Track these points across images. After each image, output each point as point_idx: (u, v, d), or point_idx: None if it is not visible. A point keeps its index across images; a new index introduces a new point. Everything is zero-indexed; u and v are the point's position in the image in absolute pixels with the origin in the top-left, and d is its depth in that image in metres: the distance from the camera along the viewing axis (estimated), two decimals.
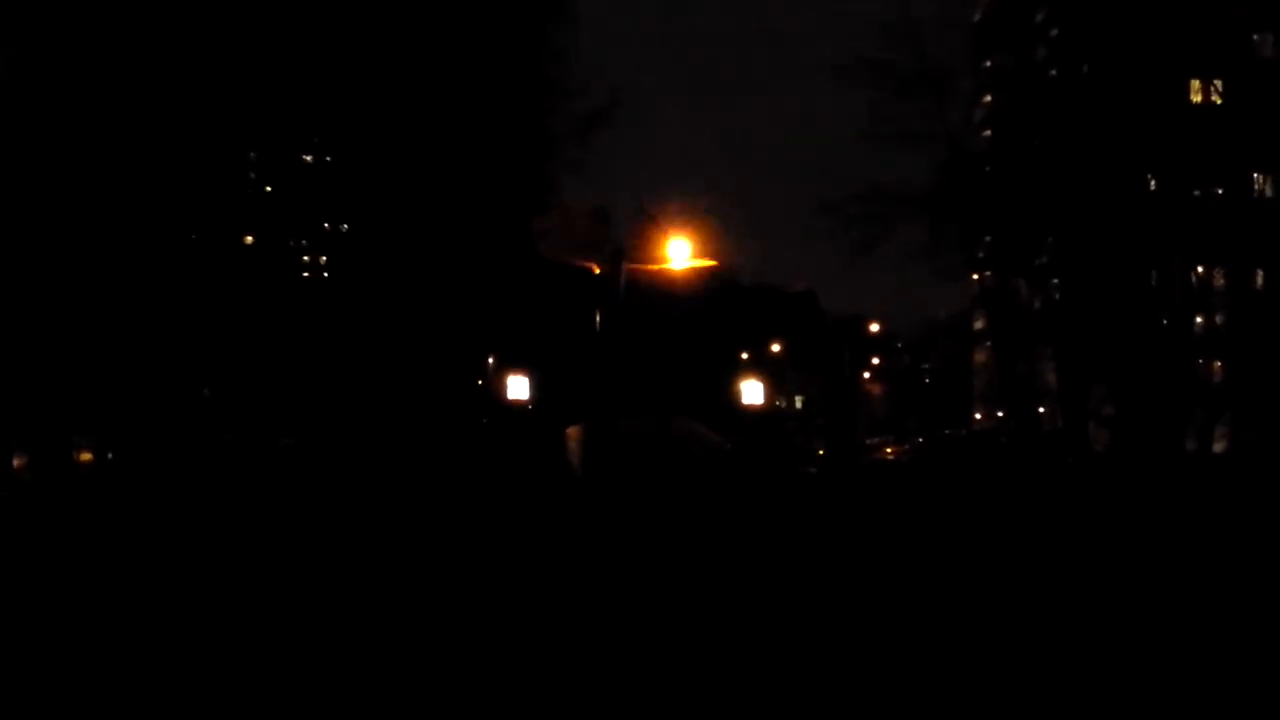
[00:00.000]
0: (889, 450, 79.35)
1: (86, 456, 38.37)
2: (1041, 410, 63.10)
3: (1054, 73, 54.14)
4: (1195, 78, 52.22)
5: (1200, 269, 52.63)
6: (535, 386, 37.72)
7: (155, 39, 35.45)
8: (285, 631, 12.07)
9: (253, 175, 45.53)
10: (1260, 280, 52.20)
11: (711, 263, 44.68)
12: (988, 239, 53.75)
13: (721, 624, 12.49)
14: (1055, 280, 54.64)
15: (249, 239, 45.20)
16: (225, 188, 42.23)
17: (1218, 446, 51.43)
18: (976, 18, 59.36)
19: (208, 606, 13.43)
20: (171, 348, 38.16)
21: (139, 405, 37.52)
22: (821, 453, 58.37)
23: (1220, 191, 51.46)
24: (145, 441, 37.83)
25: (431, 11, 42.00)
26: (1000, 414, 76.39)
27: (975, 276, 56.41)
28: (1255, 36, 50.14)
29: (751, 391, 44.33)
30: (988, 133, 57.67)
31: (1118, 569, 17.32)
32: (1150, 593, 14.91)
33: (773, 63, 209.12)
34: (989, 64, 55.35)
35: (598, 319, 33.13)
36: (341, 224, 47.82)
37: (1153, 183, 51.88)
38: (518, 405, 37.76)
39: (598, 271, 37.64)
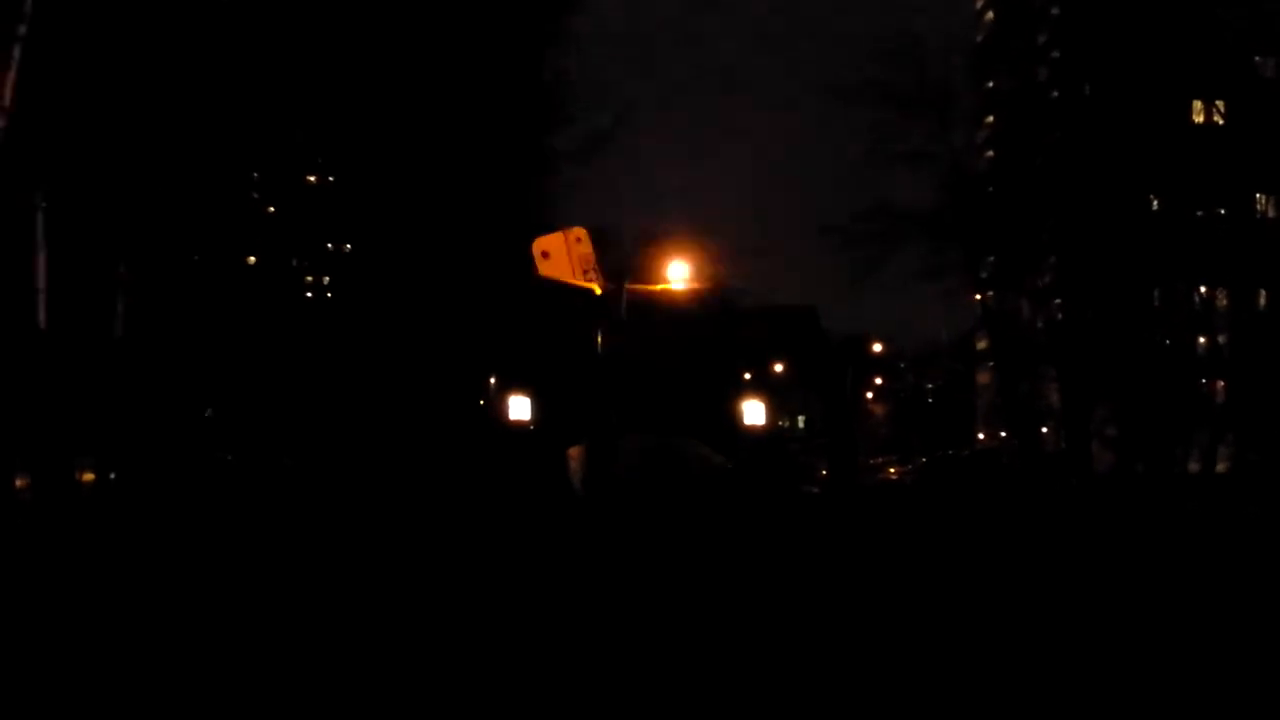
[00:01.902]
0: (892, 470, 79.27)
1: (88, 476, 38.31)
2: (1044, 430, 63.04)
3: (1056, 94, 54.24)
4: (1197, 98, 52.33)
5: (1203, 289, 52.65)
6: (537, 406, 37.71)
7: (158, 59, 35.52)
8: (289, 653, 12.04)
9: (255, 195, 45.62)
10: (1263, 300, 52.20)
11: (713, 283, 44.75)
12: (990, 259, 53.77)
13: (722, 641, 12.46)
14: (1058, 300, 54.66)
15: (252, 259, 45.26)
16: (228, 208, 42.27)
17: (1220, 467, 51.36)
18: (978, 39, 59.52)
19: (210, 627, 13.40)
20: (174, 367, 38.16)
21: (141, 425, 37.50)
22: (824, 472, 58.30)
23: (1223, 212, 51.51)
24: (147, 461, 37.80)
25: (434, 32, 42.11)
26: (1003, 434, 76.34)
27: (978, 296, 56.40)
28: (1257, 58, 50.22)
29: (754, 411, 44.26)
30: (990, 153, 57.76)
31: (1119, 590, 17.28)
32: (1152, 613, 14.87)
33: (777, 84, 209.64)
34: (991, 85, 55.47)
35: (599, 339, 33.11)
36: (344, 244, 47.91)
37: (1155, 203, 51.94)
38: (519, 425, 37.74)
39: (599, 292, 37.66)
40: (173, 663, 11.45)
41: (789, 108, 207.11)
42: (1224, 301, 53.56)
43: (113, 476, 38.26)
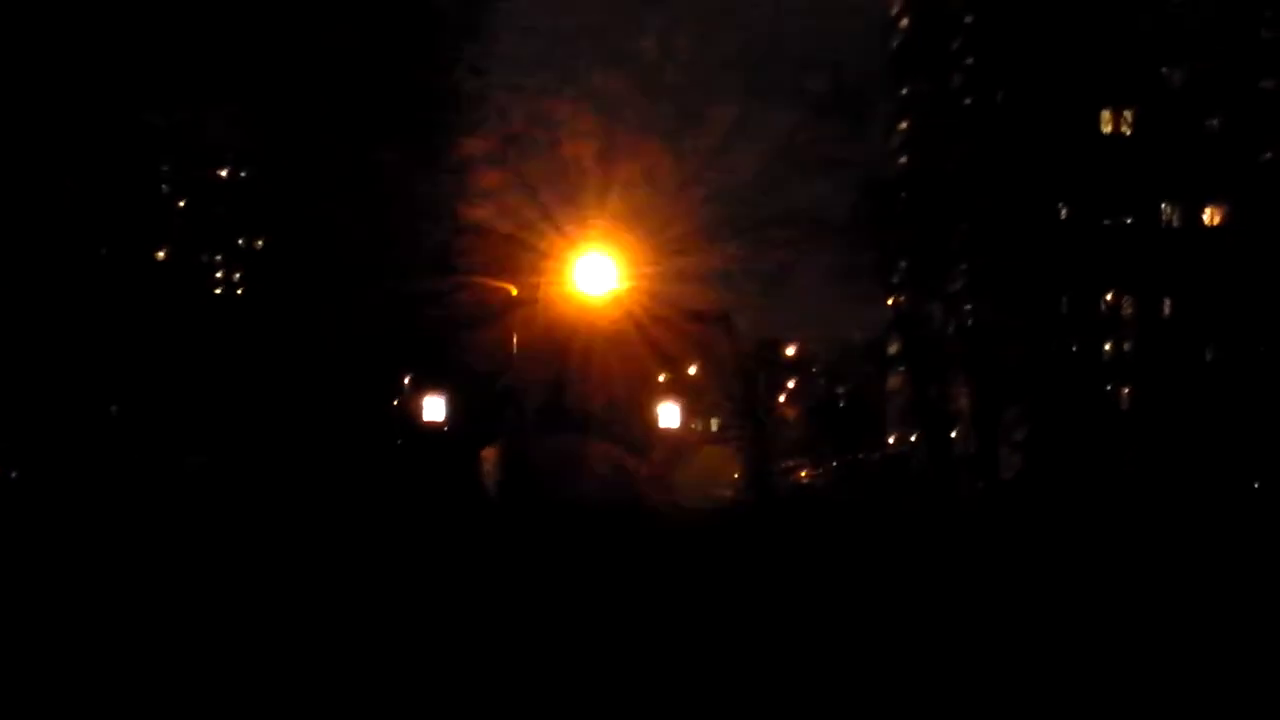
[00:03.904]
0: (803, 473, 79.70)
1: None
2: (954, 434, 63.71)
3: (969, 100, 54.85)
4: (1106, 108, 53.21)
5: (1109, 297, 53.51)
6: (452, 407, 37.41)
7: (66, 47, 34.88)
8: (197, 650, 11.82)
9: (165, 188, 44.87)
10: (1168, 308, 53.18)
11: (629, 285, 44.76)
12: (903, 264, 54.27)
13: (633, 642, 12.44)
14: (969, 306, 55.26)
15: (160, 254, 44.52)
16: (136, 201, 41.55)
17: (1125, 471, 52.18)
18: (894, 44, 60.04)
19: (111, 626, 13.14)
20: (79, 363, 37.48)
21: (44, 422, 36.79)
22: (736, 475, 58.47)
23: (1129, 221, 52.43)
24: (50, 459, 37.11)
25: (350, 26, 41.72)
26: (913, 437, 77.09)
27: (890, 301, 56.91)
28: (1164, 69, 51.18)
29: (668, 414, 44.29)
30: (904, 159, 58.27)
31: (1021, 591, 17.50)
32: (1049, 612, 15.07)
33: (692, 87, 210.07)
34: (905, 90, 55.98)
35: (515, 341, 33.00)
36: (256, 240, 47.27)
37: (1064, 211, 52.72)
38: (434, 426, 37.43)
39: (515, 293, 37.55)
40: (69, 659, 11.20)
41: (705, 110, 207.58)
42: (1129, 309, 54.46)
43: (14, 475, 37.56)
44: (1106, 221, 52.15)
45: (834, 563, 21.35)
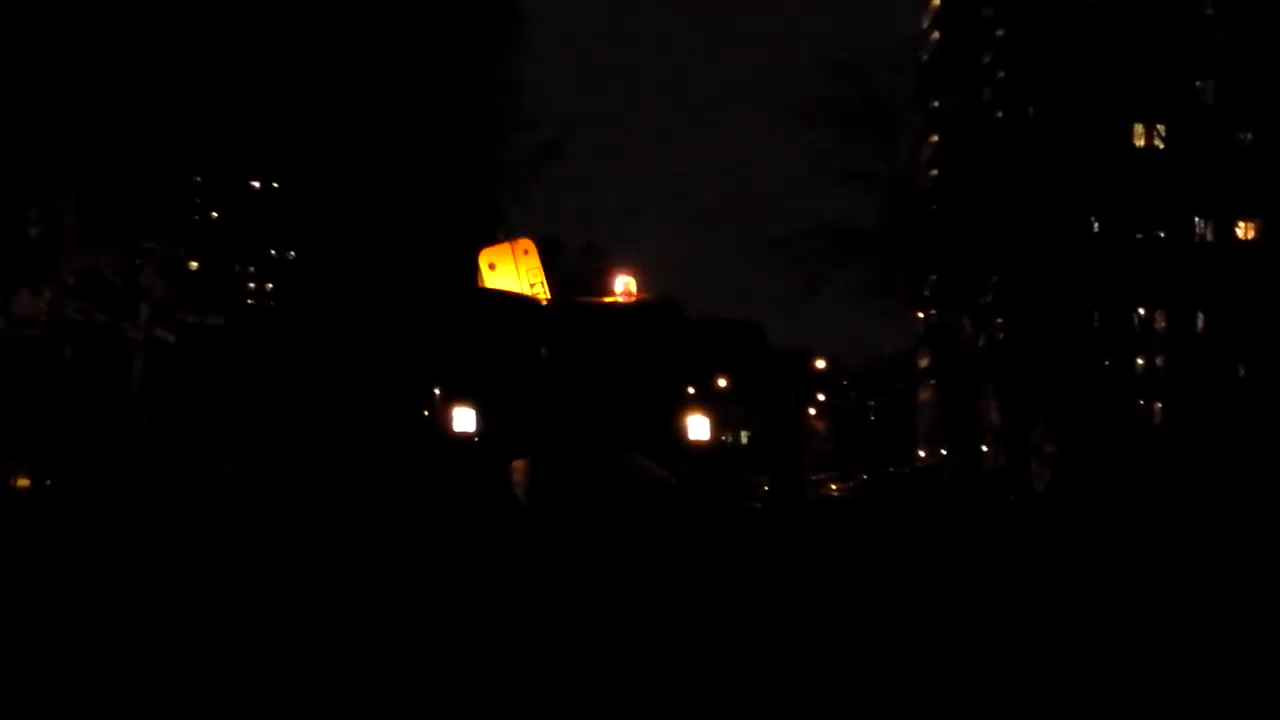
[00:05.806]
0: (834, 486, 79.51)
1: (23, 482, 37.85)
2: (984, 448, 63.61)
3: (1000, 114, 54.84)
4: (1138, 122, 53.14)
5: (1142, 311, 53.35)
6: (482, 418, 37.47)
7: (98, 60, 35.21)
8: (226, 665, 11.91)
9: (199, 200, 45.25)
10: (1201, 323, 52.97)
11: (659, 296, 44.76)
12: (933, 277, 54.24)
13: (665, 657, 12.46)
14: (999, 319, 55.19)
15: (194, 264, 44.89)
16: (170, 212, 41.92)
17: (1156, 486, 52.00)
18: (924, 58, 60.07)
19: (143, 638, 13.24)
20: (110, 372, 37.78)
21: (78, 431, 37.08)
22: (766, 488, 58.36)
23: (1162, 234, 52.29)
24: (83, 467, 37.39)
25: (382, 40, 42.00)
26: (944, 451, 76.96)
27: (921, 314, 56.87)
28: (1197, 83, 51.06)
29: (698, 426, 44.32)
30: (934, 172, 58.26)
31: (1052, 608, 17.44)
32: (1082, 632, 15.01)
33: (725, 100, 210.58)
34: (936, 104, 55.99)
35: (544, 351, 33.04)
36: (288, 251, 47.64)
37: (1096, 224, 52.62)
38: (464, 437, 37.49)
39: (544, 303, 37.59)
40: (104, 670, 11.30)
41: (735, 122, 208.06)
42: (1162, 323, 54.28)
43: (49, 483, 37.84)
44: (1139, 235, 52.02)
45: (865, 572, 21.32)
